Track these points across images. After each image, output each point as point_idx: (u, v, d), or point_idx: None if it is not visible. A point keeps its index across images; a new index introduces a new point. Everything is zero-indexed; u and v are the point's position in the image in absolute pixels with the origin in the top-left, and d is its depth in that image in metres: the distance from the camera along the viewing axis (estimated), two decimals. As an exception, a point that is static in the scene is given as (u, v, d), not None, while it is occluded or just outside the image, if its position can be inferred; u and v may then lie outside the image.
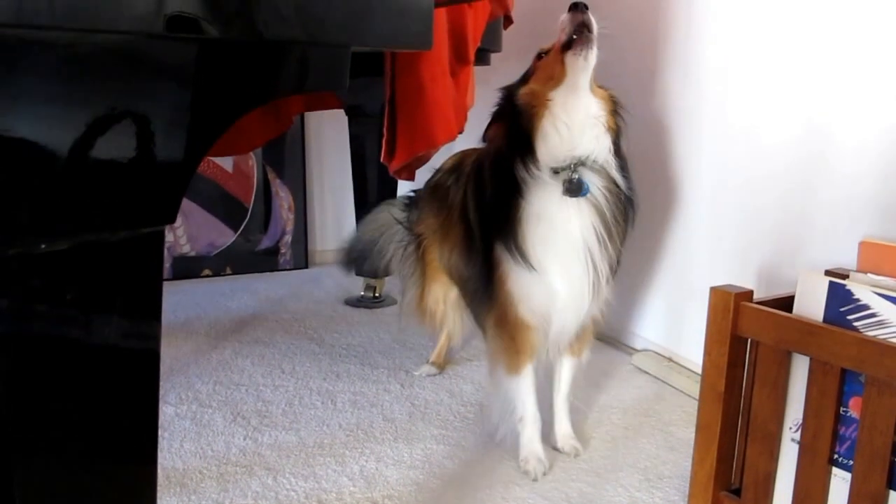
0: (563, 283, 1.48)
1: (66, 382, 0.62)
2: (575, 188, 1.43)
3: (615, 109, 1.51)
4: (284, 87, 0.78)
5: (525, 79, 1.53)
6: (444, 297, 1.89)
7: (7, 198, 0.56)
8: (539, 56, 1.53)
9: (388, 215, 2.06)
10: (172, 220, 0.67)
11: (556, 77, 1.45)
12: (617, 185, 1.48)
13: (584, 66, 1.43)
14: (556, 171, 1.44)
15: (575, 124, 1.45)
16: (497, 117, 1.54)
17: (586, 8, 1.42)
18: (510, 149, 1.47)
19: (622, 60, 2.14)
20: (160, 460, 1.54)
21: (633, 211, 1.52)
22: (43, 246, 0.58)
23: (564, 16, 1.44)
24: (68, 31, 0.56)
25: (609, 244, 1.47)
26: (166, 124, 0.64)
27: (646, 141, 2.09)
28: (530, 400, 1.58)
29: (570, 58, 1.43)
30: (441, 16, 1.82)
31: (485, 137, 1.56)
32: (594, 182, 1.45)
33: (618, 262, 1.53)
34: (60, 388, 0.62)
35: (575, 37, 1.42)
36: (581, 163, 1.44)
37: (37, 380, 0.61)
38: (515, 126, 1.47)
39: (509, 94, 1.53)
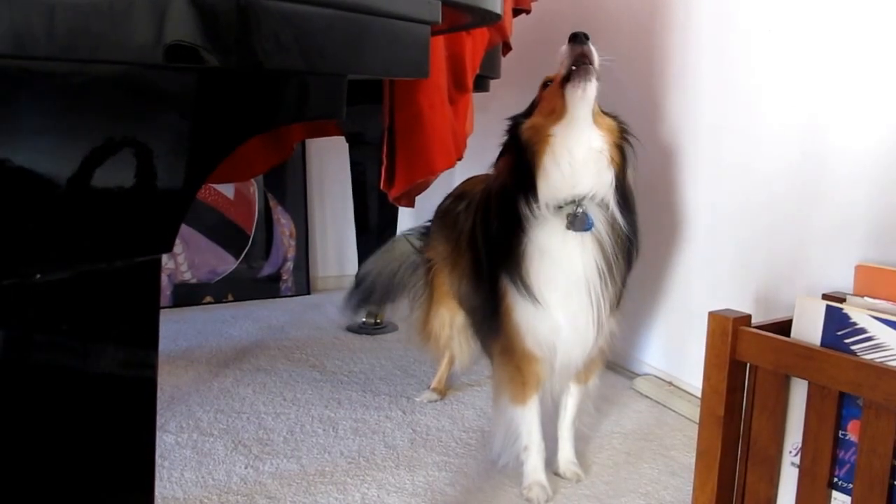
0: (566, 316, 1.46)
1: (62, 412, 0.62)
2: (579, 223, 1.41)
3: (622, 138, 1.46)
4: (283, 115, 0.78)
5: (530, 110, 1.49)
6: (451, 321, 1.89)
7: (3, 228, 0.56)
8: (544, 85, 1.48)
9: (404, 245, 2.05)
10: (170, 248, 0.67)
11: (557, 111, 1.41)
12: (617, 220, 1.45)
13: (583, 99, 1.39)
14: (559, 208, 1.41)
15: (577, 160, 1.40)
16: (504, 150, 1.51)
17: (587, 38, 1.38)
18: (514, 185, 1.43)
19: (621, 90, 2.16)
20: (160, 490, 1.53)
21: (636, 252, 1.48)
22: (38, 276, 0.58)
23: (564, 47, 1.40)
24: (66, 61, 0.55)
25: (609, 280, 1.44)
26: (165, 152, 0.64)
27: (645, 169, 2.10)
28: (535, 430, 1.57)
29: (569, 91, 1.39)
30: (439, 43, 1.83)
31: (495, 167, 1.53)
32: (598, 217, 1.43)
33: (619, 298, 1.50)
34: (55, 417, 0.62)
35: (574, 68, 1.38)
36: (583, 199, 1.41)
37: (30, 409, 0.60)
38: (519, 161, 1.44)
39: (514, 126, 1.49)
